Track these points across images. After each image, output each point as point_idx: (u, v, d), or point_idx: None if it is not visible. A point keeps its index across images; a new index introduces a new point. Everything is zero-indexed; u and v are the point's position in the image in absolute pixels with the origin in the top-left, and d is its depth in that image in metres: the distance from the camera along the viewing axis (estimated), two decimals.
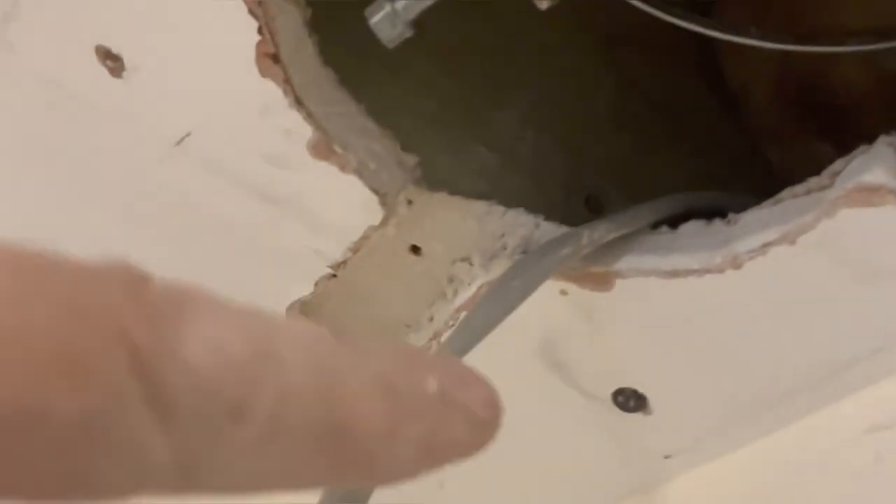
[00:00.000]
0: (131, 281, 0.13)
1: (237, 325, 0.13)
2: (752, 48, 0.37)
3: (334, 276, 0.36)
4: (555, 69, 0.37)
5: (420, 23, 0.32)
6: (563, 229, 0.35)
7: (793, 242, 0.31)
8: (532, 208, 0.36)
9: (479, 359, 0.37)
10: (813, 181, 0.31)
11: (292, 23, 0.29)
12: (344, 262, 0.35)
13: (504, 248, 0.36)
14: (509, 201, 0.36)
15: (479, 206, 0.35)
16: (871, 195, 0.29)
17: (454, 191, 0.35)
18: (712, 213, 0.34)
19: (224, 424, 0.12)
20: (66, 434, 0.11)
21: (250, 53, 0.29)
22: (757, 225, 0.32)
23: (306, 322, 0.15)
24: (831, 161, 0.31)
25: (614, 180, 0.38)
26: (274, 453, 0.13)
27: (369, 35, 0.32)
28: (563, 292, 0.35)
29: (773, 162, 0.42)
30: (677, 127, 0.40)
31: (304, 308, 0.38)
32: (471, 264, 0.36)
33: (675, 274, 0.33)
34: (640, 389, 0.38)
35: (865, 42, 0.31)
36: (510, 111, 0.37)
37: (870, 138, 0.31)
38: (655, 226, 0.34)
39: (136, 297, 0.12)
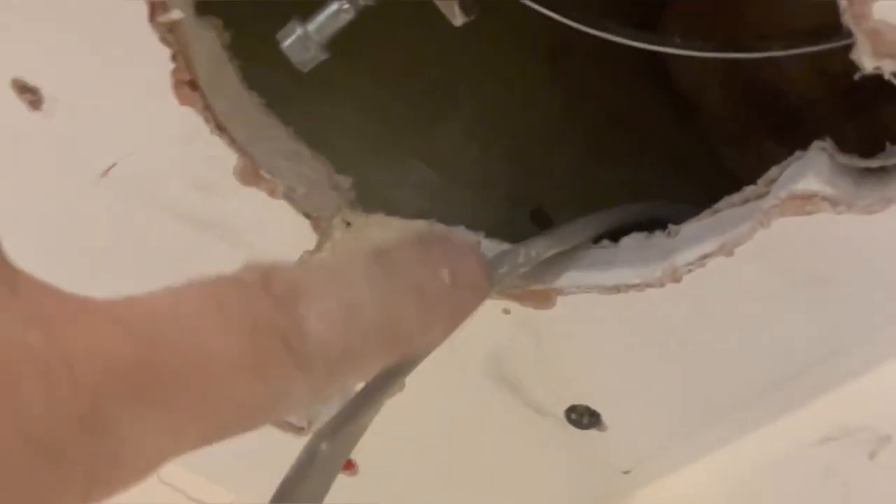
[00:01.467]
0: (265, 280, 0.19)
1: (329, 292, 0.20)
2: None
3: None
4: (498, 80, 0.37)
5: (350, 43, 0.32)
6: (506, 245, 0.34)
7: (730, 253, 0.30)
8: (476, 223, 0.35)
9: (428, 380, 0.37)
10: (749, 190, 0.30)
11: (209, 48, 0.29)
12: None
13: None
14: (451, 218, 0.35)
15: (419, 226, 0.34)
16: (804, 203, 0.28)
17: (394, 210, 0.35)
18: (656, 224, 0.33)
19: (335, 364, 0.20)
20: (258, 401, 0.19)
21: (166, 81, 0.29)
22: (695, 236, 0.31)
23: (359, 257, 0.22)
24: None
25: (562, 192, 0.37)
26: (359, 363, 0.21)
27: None
28: (506, 311, 0.34)
29: (729, 166, 0.41)
30: (628, 134, 0.39)
31: None
32: None
33: (616, 289, 0.33)
34: (593, 406, 0.37)
35: (799, 44, 0.30)
36: (452, 125, 0.36)
37: (818, 137, 0.30)
38: (597, 239, 0.34)
39: (271, 295, 0.19)
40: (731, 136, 0.39)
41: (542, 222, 0.38)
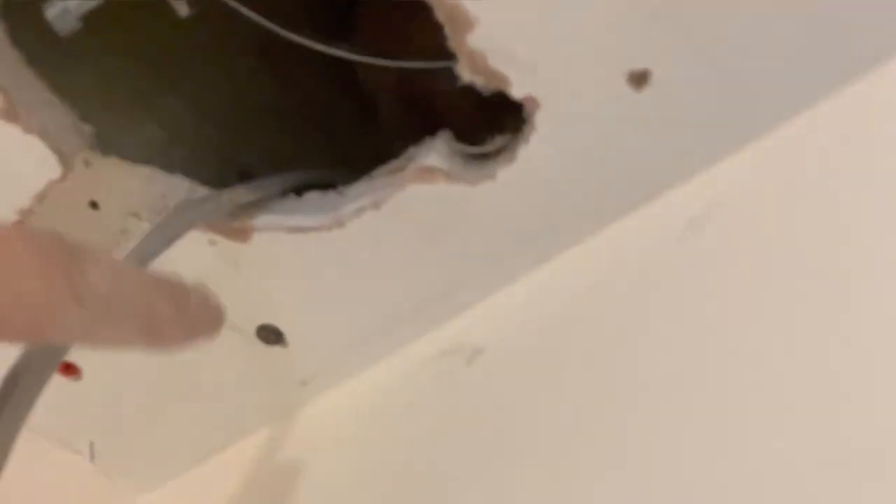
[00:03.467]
0: (59, 236, 0.25)
1: (107, 263, 0.26)
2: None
3: (21, 222, 0.43)
4: (216, 65, 0.46)
5: (104, 21, 0.40)
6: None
7: (378, 207, 0.41)
8: (191, 175, 0.44)
9: None
10: (394, 163, 0.42)
11: None
12: (30, 210, 0.42)
13: (166, 205, 0.44)
14: (172, 169, 0.44)
15: (145, 170, 0.43)
16: (427, 174, 0.40)
17: (126, 156, 0.43)
18: (330, 185, 0.44)
19: (102, 311, 0.26)
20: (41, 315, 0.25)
21: None
22: (356, 195, 0.42)
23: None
24: None
25: (263, 159, 0.47)
26: (119, 322, 0.27)
27: None
28: (212, 242, 0.44)
29: (395, 150, 0.52)
30: (319, 120, 0.50)
31: None
32: (139, 218, 0.44)
33: (298, 230, 0.43)
34: (279, 325, 0.48)
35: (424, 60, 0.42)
36: (176, 97, 0.45)
37: (463, 133, 0.42)
38: (285, 193, 0.44)
39: (64, 244, 0.26)
40: (398, 129, 0.51)
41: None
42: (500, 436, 0.41)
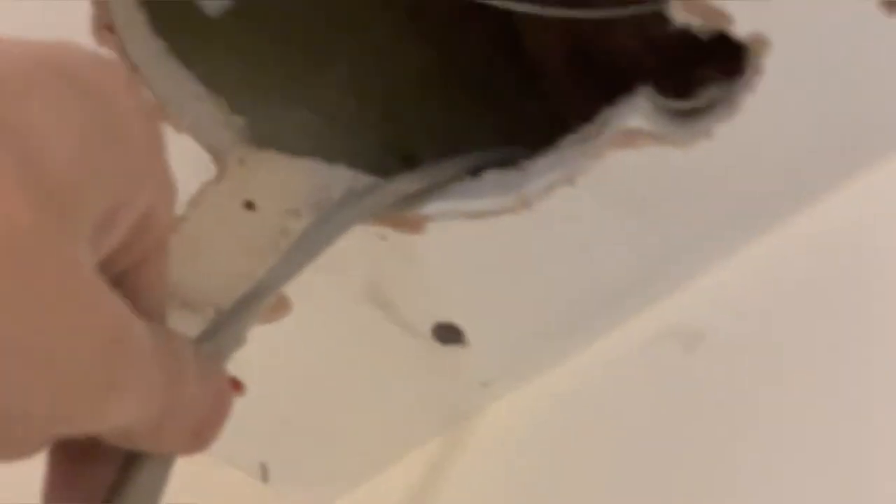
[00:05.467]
0: None
1: None
2: (546, 22, 0.42)
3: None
4: (368, 42, 0.41)
5: (244, 4, 0.36)
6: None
7: (572, 182, 0.36)
8: (353, 164, 0.40)
9: (311, 305, 0.41)
10: (587, 129, 0.36)
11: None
12: (183, 217, 0.39)
13: (329, 200, 0.40)
14: (332, 158, 0.40)
15: (304, 163, 0.39)
16: (631, 138, 0.35)
17: (282, 149, 0.39)
18: (508, 165, 0.39)
19: None
20: None
21: (88, 24, 0.32)
22: (543, 170, 0.37)
23: None
24: None
25: (426, 139, 0.43)
26: None
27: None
28: (383, 237, 0.39)
29: (571, 123, 0.47)
30: (481, 91, 0.45)
31: None
32: (300, 216, 0.40)
33: (477, 215, 0.38)
34: (457, 323, 0.43)
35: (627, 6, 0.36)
36: (330, 79, 0.41)
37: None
38: (459, 178, 0.39)
39: None
40: (570, 97, 0.46)
41: (412, 166, 0.43)
42: (726, 440, 0.36)
